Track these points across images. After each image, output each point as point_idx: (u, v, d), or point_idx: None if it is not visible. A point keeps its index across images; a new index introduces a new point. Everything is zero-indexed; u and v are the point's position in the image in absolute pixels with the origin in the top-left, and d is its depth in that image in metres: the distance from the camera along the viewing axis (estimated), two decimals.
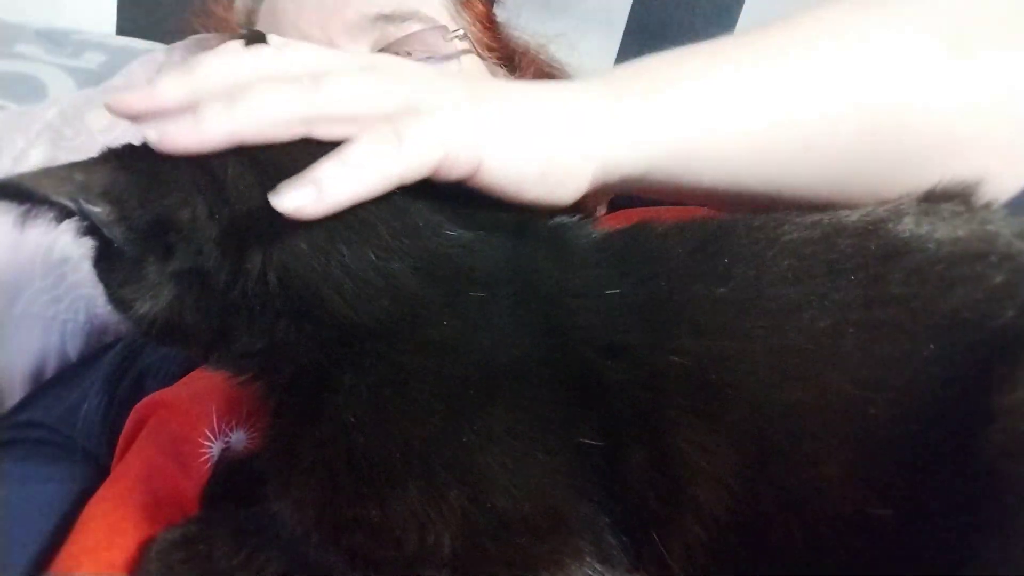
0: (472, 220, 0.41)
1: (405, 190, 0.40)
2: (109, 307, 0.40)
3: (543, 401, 0.37)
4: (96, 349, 0.74)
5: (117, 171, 0.37)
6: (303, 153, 0.39)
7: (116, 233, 0.36)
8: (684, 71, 0.43)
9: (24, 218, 0.37)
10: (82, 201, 0.36)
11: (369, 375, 0.37)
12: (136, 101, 0.37)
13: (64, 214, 0.37)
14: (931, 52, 0.44)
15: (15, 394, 0.73)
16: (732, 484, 0.35)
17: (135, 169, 0.38)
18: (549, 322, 0.38)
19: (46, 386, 0.72)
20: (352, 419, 0.37)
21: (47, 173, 0.36)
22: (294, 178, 0.35)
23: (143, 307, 0.38)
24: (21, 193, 0.36)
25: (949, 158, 0.43)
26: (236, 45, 0.41)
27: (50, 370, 0.75)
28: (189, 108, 0.36)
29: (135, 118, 0.37)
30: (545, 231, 0.43)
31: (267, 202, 0.36)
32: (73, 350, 0.76)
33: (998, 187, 0.43)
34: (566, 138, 0.40)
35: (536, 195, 0.41)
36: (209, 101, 0.36)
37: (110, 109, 0.37)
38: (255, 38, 0.43)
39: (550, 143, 0.40)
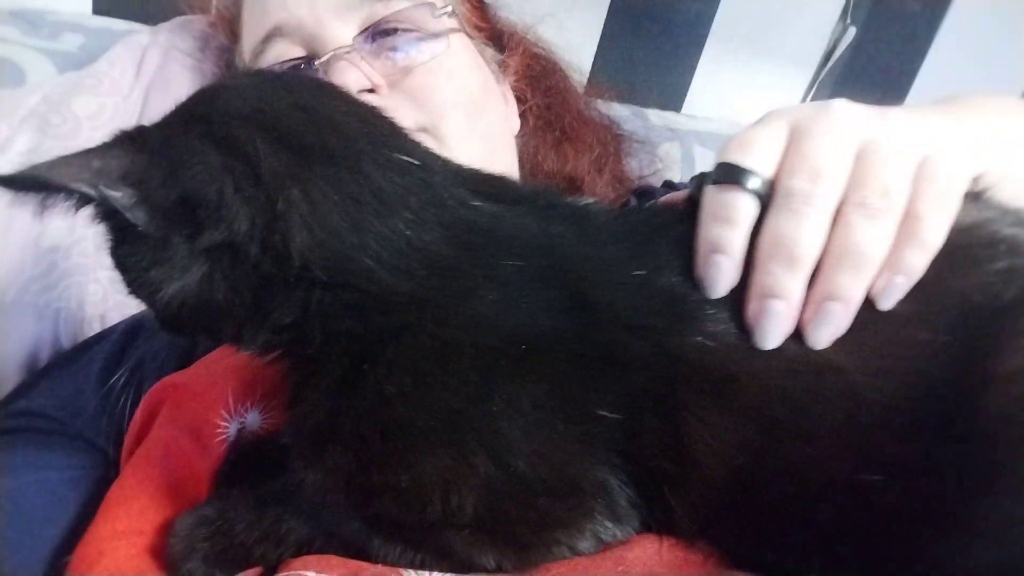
0: (491, 194, 0.42)
1: (424, 166, 0.41)
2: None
3: (567, 374, 0.38)
4: (89, 338, 0.73)
5: (134, 153, 0.38)
6: (326, 130, 0.40)
7: (139, 216, 0.37)
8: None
9: (41, 207, 0.37)
10: (102, 187, 0.36)
11: (411, 348, 0.38)
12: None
13: (82, 201, 0.37)
14: None
15: (9, 383, 0.72)
16: (736, 456, 0.37)
17: (153, 149, 0.38)
18: (578, 297, 0.39)
19: (40, 374, 0.71)
20: (393, 390, 0.37)
21: (64, 162, 0.37)
22: (888, 273, 0.38)
23: (173, 287, 0.38)
24: (39, 184, 0.36)
25: None
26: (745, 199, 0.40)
27: (44, 359, 0.74)
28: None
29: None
30: (567, 208, 0.44)
31: (301, 180, 0.37)
32: (67, 338, 0.75)
33: None
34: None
35: None
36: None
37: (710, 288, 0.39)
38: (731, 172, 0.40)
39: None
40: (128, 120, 0.85)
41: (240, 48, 0.78)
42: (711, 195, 0.40)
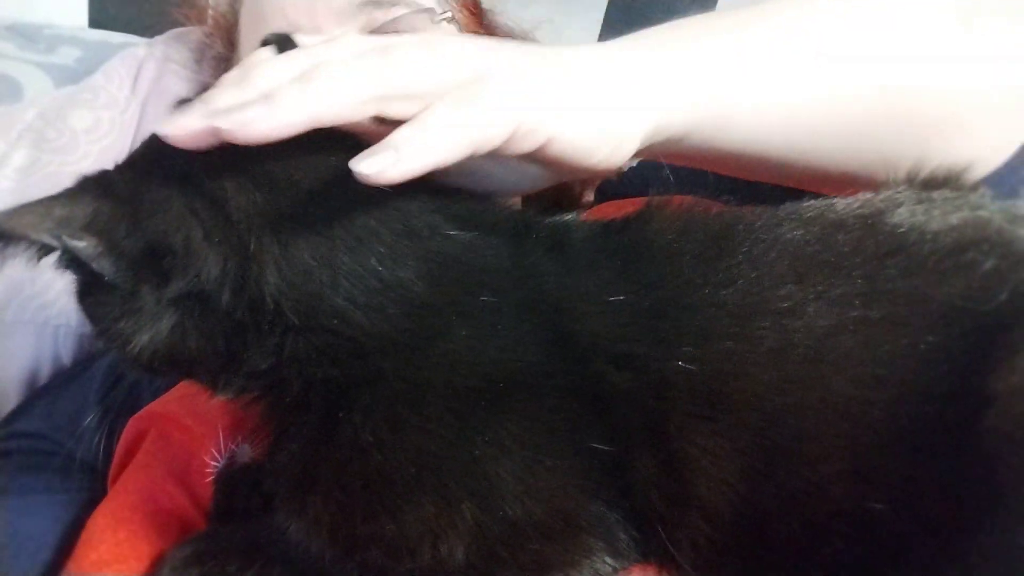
0: (467, 220, 0.41)
1: (398, 192, 0.40)
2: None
3: (551, 409, 0.37)
4: (86, 356, 0.73)
5: (98, 200, 0.36)
6: (293, 163, 0.38)
7: (104, 266, 0.35)
8: (719, 32, 0.44)
9: (2, 257, 0.35)
10: (65, 237, 0.34)
11: (385, 393, 0.37)
12: (195, 121, 0.35)
13: (45, 251, 0.36)
14: (945, 28, 0.46)
15: (9, 402, 0.72)
16: (736, 484, 0.36)
17: (117, 196, 0.36)
18: (556, 329, 0.38)
19: (38, 394, 0.71)
20: (370, 439, 0.36)
21: (24, 210, 0.35)
22: (374, 147, 0.34)
23: (142, 339, 0.37)
24: None
25: (955, 127, 0.45)
26: (268, 52, 0.40)
27: (44, 376, 0.75)
28: (261, 97, 0.35)
29: (197, 139, 0.35)
30: (544, 230, 0.42)
31: (271, 219, 0.36)
32: (67, 355, 0.75)
33: (991, 154, 0.45)
34: (626, 99, 0.40)
35: (597, 161, 0.40)
36: (283, 87, 0.35)
37: (171, 139, 0.35)
38: (283, 42, 0.41)
39: (613, 107, 0.40)
40: (125, 134, 0.85)
41: (238, 57, 0.78)
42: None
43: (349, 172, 0.35)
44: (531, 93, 0.38)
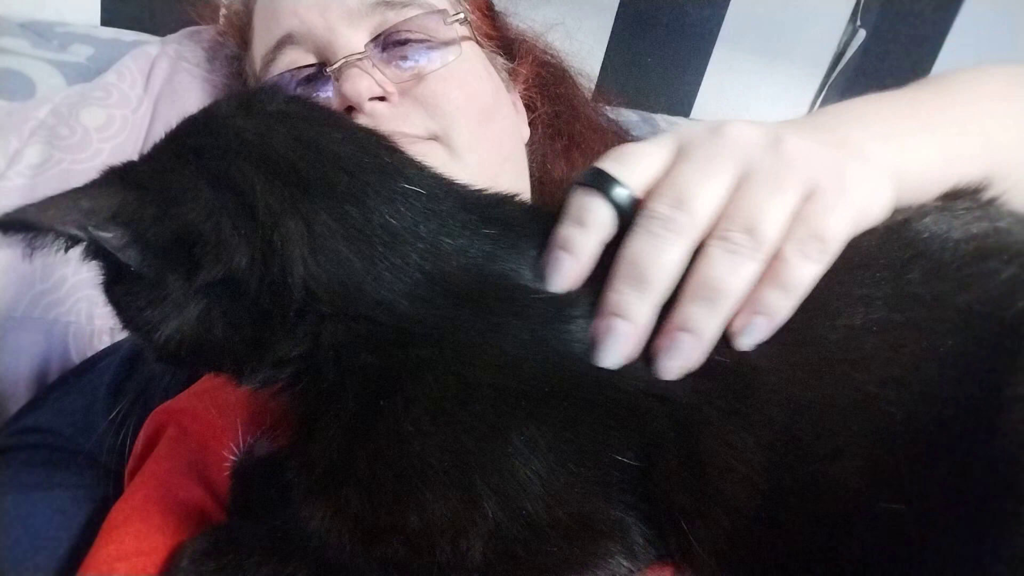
0: (501, 219, 0.41)
1: (429, 195, 0.40)
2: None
3: (585, 413, 0.37)
4: (98, 352, 0.73)
5: (124, 191, 0.36)
6: (327, 163, 0.39)
7: (131, 255, 0.36)
8: (947, 119, 0.49)
9: (31, 248, 0.36)
10: (91, 228, 0.35)
11: (432, 384, 0.37)
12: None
13: (72, 242, 0.36)
14: None
15: (18, 399, 0.72)
16: (757, 479, 0.37)
17: (144, 187, 0.37)
18: None
19: (48, 391, 0.71)
20: (411, 428, 0.36)
21: (51, 203, 0.36)
22: (747, 310, 0.37)
23: (169, 327, 0.37)
24: (26, 226, 0.35)
25: None
26: (603, 206, 0.40)
27: (54, 373, 0.74)
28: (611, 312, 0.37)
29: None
30: None
31: (299, 212, 0.36)
32: (76, 352, 0.75)
33: None
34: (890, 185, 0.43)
35: None
36: (629, 298, 0.37)
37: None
38: (598, 180, 0.40)
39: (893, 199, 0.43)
40: (137, 132, 0.85)
41: (251, 56, 0.78)
42: (573, 195, 0.40)
43: (383, 172, 0.38)
44: (871, 198, 0.41)
